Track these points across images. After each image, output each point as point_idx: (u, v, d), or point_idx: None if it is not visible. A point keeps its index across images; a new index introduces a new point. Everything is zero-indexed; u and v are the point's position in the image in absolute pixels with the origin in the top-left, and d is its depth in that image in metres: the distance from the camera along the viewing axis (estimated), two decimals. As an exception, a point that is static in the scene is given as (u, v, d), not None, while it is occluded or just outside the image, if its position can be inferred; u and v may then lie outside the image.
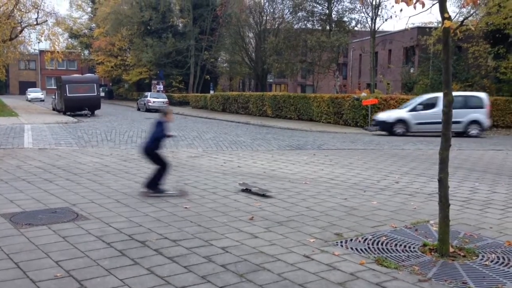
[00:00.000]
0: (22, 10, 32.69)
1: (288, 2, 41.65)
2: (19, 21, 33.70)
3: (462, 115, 20.49)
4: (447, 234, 5.22)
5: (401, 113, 21.69)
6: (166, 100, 40.45)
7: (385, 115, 21.97)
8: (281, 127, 24.65)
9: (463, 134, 20.91)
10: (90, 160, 11.47)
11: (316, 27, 39.75)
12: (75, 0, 72.34)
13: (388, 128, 21.48)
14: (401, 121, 21.36)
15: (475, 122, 21.10)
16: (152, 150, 7.91)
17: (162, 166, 7.87)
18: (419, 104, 21.56)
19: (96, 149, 13.78)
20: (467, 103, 21.35)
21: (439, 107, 21.42)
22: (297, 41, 38.35)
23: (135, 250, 5.14)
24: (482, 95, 22.08)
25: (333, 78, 40.14)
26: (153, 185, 7.81)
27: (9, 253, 4.93)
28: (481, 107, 21.21)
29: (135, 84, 61.62)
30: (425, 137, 20.34)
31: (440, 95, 22.49)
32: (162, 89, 51.76)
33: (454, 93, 23.04)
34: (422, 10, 5.17)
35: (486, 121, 21.10)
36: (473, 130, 21.06)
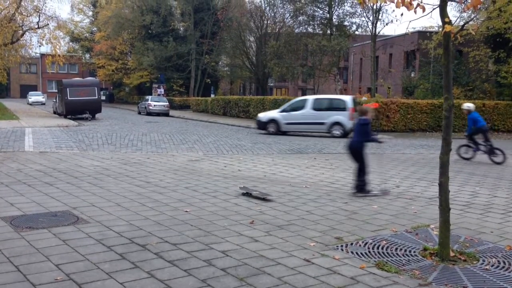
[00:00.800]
0: (24, 13, 32.78)
1: (289, 6, 41.77)
2: (21, 24, 33.78)
3: (326, 117, 21.91)
4: (448, 238, 5.22)
5: (273, 113, 23.50)
6: (167, 103, 40.50)
7: (262, 115, 23.84)
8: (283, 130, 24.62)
9: (327, 134, 22.05)
10: (90, 164, 11.47)
11: (317, 31, 39.88)
12: (76, 4, 72.65)
13: (263, 126, 23.34)
14: (273, 120, 22.99)
15: (337, 123, 21.84)
16: (359, 149, 8.80)
17: (362, 165, 8.68)
18: (289, 106, 23.22)
19: (97, 153, 13.79)
20: (332, 106, 22.45)
21: (307, 109, 22.84)
22: (298, 45, 38.48)
23: (135, 253, 5.14)
24: (346, 98, 22.96)
25: (334, 82, 40.21)
26: (360, 187, 8.55)
27: (9, 256, 4.93)
28: (344, 109, 21.79)
29: (136, 88, 61.70)
30: (427, 142, 20.33)
31: (308, 97, 24.08)
32: (163, 93, 51.83)
33: (321, 96, 22.87)
34: (422, 15, 5.19)
35: (348, 122, 21.37)
36: (336, 131, 21.88)
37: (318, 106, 22.21)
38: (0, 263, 4.72)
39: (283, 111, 22.98)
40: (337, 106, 22.10)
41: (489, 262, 5.16)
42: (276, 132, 22.64)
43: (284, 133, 22.61)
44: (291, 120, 22.43)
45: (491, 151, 13.82)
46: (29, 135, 17.83)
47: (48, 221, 6.29)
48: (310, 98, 23.29)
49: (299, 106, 22.64)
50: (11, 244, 5.30)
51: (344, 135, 20.96)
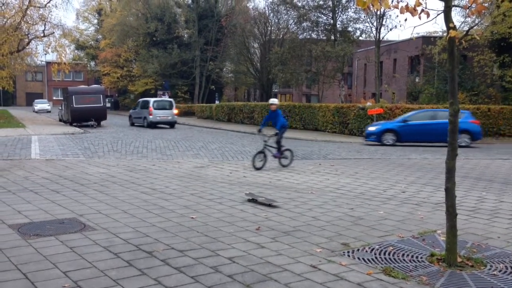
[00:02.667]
0: (29, 22, 33.03)
1: (292, 12, 41.86)
2: (26, 33, 34.03)
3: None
4: (455, 244, 5.20)
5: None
6: (172, 110, 40.55)
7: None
8: (286, 137, 24.60)
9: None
10: (96, 171, 11.52)
11: (321, 37, 39.94)
12: (81, 12, 73.24)
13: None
14: (145, 118, 30.53)
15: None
16: None
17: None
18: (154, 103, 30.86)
19: (103, 160, 13.84)
20: (170, 106, 31.18)
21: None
22: (302, 51, 38.54)
23: (142, 260, 5.15)
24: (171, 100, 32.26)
25: (338, 87, 40.24)
26: None
27: (17, 263, 4.95)
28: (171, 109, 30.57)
29: (141, 95, 61.79)
30: (430, 146, 20.30)
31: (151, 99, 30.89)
32: (167, 100, 51.94)
33: (160, 99, 30.51)
34: (427, 20, 5.20)
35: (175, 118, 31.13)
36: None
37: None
38: (8, 271, 4.75)
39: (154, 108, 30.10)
40: (171, 106, 31.62)
41: (497, 267, 5.13)
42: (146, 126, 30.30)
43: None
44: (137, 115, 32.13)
45: (282, 153, 13.09)
46: (36, 142, 17.92)
47: (55, 228, 6.32)
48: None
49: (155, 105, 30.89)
50: (19, 252, 5.33)
51: None
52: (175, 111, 31.66)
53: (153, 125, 30.08)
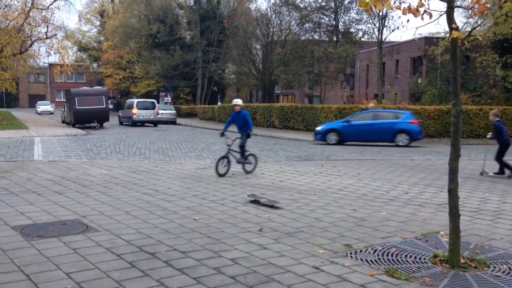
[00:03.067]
0: (32, 24, 33.14)
1: (295, 14, 41.87)
2: (29, 35, 34.15)
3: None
4: (458, 245, 5.19)
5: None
6: (174, 112, 40.65)
7: None
8: (289, 138, 24.68)
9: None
10: (99, 172, 11.53)
11: (323, 38, 39.93)
12: (84, 14, 73.41)
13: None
14: (130, 117, 33.15)
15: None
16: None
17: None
18: (137, 103, 33.60)
19: (105, 161, 13.86)
20: (153, 106, 33.40)
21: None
22: (304, 52, 38.51)
23: (145, 261, 5.15)
24: (154, 101, 34.85)
25: (340, 88, 40.23)
26: None
27: (20, 265, 4.96)
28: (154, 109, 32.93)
29: (143, 96, 61.88)
30: (435, 148, 20.26)
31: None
32: (170, 101, 52.04)
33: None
34: (429, 21, 5.19)
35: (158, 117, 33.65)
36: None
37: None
38: (11, 272, 4.75)
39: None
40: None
41: (500, 268, 5.12)
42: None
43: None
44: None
45: (246, 159, 12.08)
46: (38, 144, 17.96)
47: (58, 229, 6.32)
48: None
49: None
50: (22, 253, 5.34)
51: None
52: (158, 111, 35.11)
53: (136, 123, 33.07)
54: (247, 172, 11.82)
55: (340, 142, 21.71)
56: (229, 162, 11.54)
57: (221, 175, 11.22)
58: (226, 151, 11.76)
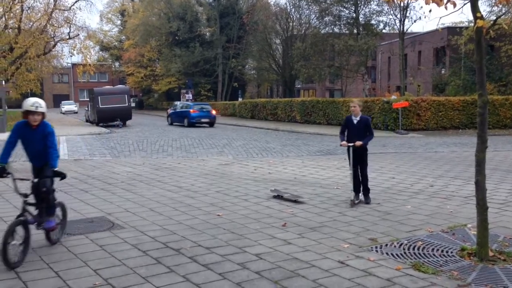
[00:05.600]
0: (55, 25, 33.62)
1: (314, 7, 41.58)
2: (52, 36, 34.65)
3: None
4: (486, 238, 5.10)
5: None
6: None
7: None
8: (311, 132, 24.57)
9: None
10: (123, 170, 11.67)
11: (343, 31, 39.57)
12: (105, 14, 74.27)
13: None
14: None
15: None
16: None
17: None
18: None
19: (129, 159, 14.02)
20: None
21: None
22: (325, 46, 38.23)
23: (170, 258, 5.20)
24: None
25: (361, 81, 39.81)
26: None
27: (49, 262, 5.06)
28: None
29: (165, 94, 62.54)
30: (461, 139, 19.93)
31: None
32: (191, 98, 52.35)
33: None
34: (453, 10, 5.09)
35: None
36: None
37: None
38: (40, 269, 4.85)
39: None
40: None
41: (530, 261, 5.01)
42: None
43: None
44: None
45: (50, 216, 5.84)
46: (64, 143, 18.26)
47: (84, 227, 6.43)
48: None
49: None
50: (50, 251, 5.44)
51: None
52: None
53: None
54: (53, 243, 5.69)
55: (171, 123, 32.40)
56: (27, 231, 5.19)
57: (12, 267, 4.86)
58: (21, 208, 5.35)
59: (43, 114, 5.33)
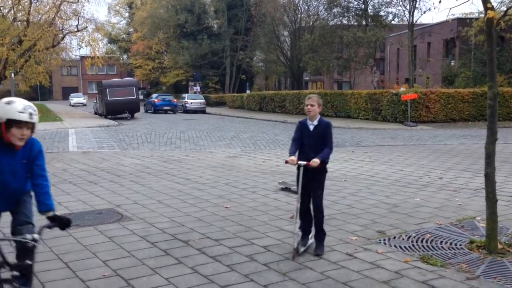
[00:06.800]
0: (63, 17, 33.64)
1: (322, -2, 41.32)
2: (61, 28, 34.68)
3: None
4: (495, 231, 5.07)
5: None
6: (203, 101, 40.88)
7: None
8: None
9: None
10: (131, 162, 11.72)
11: (352, 22, 39.28)
12: (113, 6, 74.24)
13: None
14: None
15: None
16: None
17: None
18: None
19: (137, 151, 14.08)
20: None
21: None
22: (333, 38, 38.00)
23: (178, 249, 5.22)
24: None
25: (370, 74, 39.59)
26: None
27: (58, 253, 5.10)
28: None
29: (173, 86, 62.54)
30: (470, 132, 19.79)
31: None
32: (199, 90, 52.38)
33: None
34: (463, 1, 5.04)
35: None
36: None
37: None
38: (50, 260, 4.90)
39: None
40: None
41: (540, 254, 4.97)
42: None
43: None
44: None
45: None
46: (73, 135, 18.37)
47: (93, 218, 6.47)
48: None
49: None
50: (60, 242, 5.49)
51: None
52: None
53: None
54: None
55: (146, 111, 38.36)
56: None
57: None
58: None
59: (33, 126, 3.31)
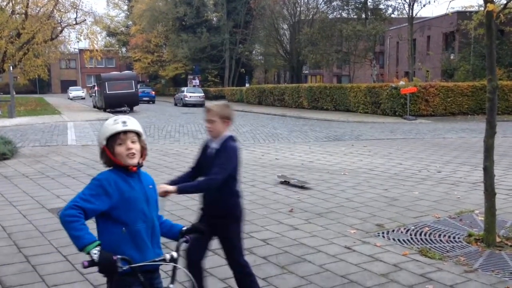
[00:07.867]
0: (62, 10, 33.50)
1: (322, -9, 41.16)
2: (59, 21, 34.56)
3: None
4: (494, 224, 5.09)
5: None
6: (203, 94, 40.82)
7: None
8: (318, 118, 24.50)
9: None
10: (131, 155, 11.70)
11: (352, 16, 39.17)
12: (111, -1, 73.81)
13: None
14: None
15: None
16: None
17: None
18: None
19: (136, 145, 14.05)
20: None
21: None
22: (332, 31, 37.87)
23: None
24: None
25: (369, 67, 39.50)
26: None
27: (57, 246, 5.11)
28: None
29: (172, 80, 62.45)
30: (469, 125, 19.79)
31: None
32: (198, 84, 52.26)
33: None
34: (463, -6, 5.01)
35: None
36: None
37: None
38: (49, 253, 4.91)
39: None
40: None
41: (538, 248, 4.99)
42: None
43: None
44: None
45: None
46: (71, 129, 18.35)
47: (92, 212, 6.46)
48: None
49: None
50: (59, 235, 5.48)
51: None
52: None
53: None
54: None
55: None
56: None
57: None
58: None
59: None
